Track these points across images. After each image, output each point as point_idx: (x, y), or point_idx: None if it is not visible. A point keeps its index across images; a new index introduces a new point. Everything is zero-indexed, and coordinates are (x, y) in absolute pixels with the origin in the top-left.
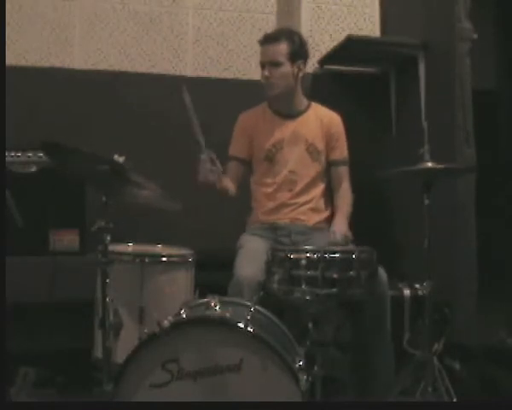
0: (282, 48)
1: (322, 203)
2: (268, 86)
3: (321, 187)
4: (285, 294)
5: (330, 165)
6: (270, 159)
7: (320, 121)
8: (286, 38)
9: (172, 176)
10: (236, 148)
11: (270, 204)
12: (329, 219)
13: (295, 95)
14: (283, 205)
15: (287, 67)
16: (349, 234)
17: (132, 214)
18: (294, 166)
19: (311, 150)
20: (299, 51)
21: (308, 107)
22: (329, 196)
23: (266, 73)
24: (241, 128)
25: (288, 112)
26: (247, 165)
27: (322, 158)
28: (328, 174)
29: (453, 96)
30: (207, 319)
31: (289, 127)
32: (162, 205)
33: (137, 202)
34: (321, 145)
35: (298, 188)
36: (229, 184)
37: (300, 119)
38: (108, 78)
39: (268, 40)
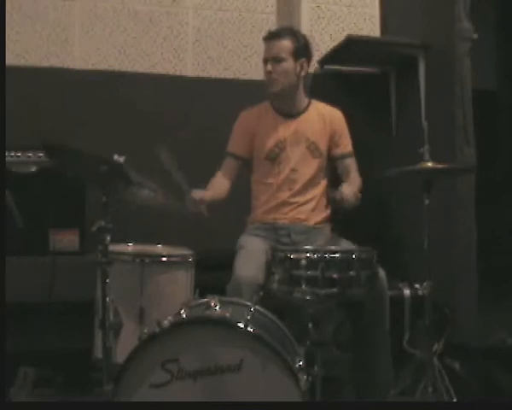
0: (286, 44)
1: (322, 203)
2: (270, 82)
3: (322, 185)
4: (285, 294)
5: (337, 159)
6: (273, 158)
7: (322, 119)
8: (290, 35)
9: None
10: (236, 145)
11: (271, 203)
12: (329, 219)
13: (297, 93)
14: (283, 204)
15: (289, 64)
16: (358, 194)
17: (132, 214)
18: (296, 164)
19: (312, 149)
20: (302, 49)
21: (309, 105)
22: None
23: (269, 68)
24: (242, 126)
25: (290, 111)
26: (245, 163)
27: (324, 154)
28: (329, 171)
29: (453, 96)
30: (207, 319)
31: (291, 126)
32: (162, 205)
33: (137, 202)
34: (323, 143)
35: (298, 186)
36: (217, 195)
37: (302, 117)
38: (108, 78)
39: (272, 36)
